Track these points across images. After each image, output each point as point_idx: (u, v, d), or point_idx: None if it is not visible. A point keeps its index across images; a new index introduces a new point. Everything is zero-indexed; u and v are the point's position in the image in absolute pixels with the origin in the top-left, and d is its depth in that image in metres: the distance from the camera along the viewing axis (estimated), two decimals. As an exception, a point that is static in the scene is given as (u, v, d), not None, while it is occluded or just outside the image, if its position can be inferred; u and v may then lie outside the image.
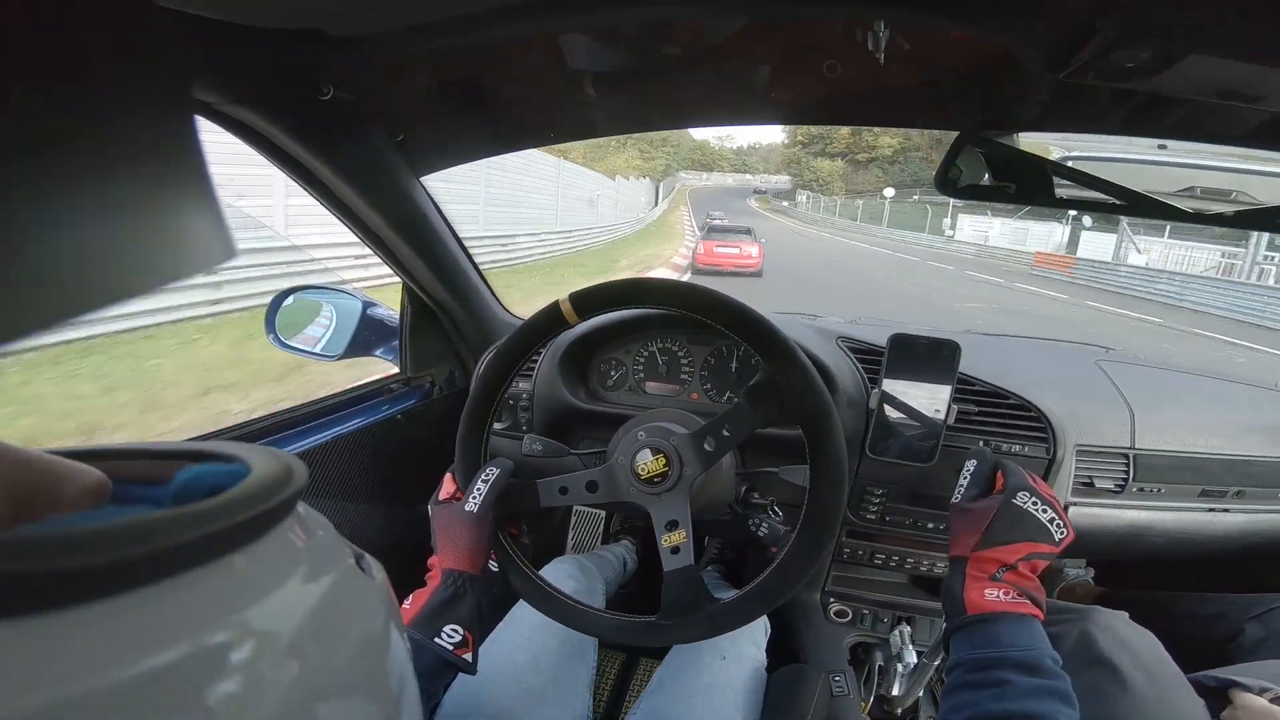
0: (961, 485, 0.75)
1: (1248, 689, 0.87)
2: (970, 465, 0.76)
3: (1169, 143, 0.70)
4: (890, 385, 1.01)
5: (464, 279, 1.18)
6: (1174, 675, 0.95)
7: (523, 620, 0.89)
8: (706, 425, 0.72)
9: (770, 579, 0.69)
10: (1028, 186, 0.75)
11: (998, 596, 0.64)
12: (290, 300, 1.12)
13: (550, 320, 0.73)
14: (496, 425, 1.22)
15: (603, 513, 1.67)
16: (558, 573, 1.01)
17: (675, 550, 0.72)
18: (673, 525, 0.73)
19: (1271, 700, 0.83)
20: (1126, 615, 1.10)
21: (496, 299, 1.31)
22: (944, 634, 0.65)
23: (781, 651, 1.08)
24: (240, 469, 0.29)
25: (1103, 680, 0.96)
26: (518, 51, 0.78)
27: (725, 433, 0.70)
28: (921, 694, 0.97)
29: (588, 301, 0.71)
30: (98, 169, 0.19)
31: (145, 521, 0.21)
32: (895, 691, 0.96)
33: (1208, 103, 0.55)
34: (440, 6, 0.62)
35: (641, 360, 1.24)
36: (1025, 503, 0.68)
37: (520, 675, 0.83)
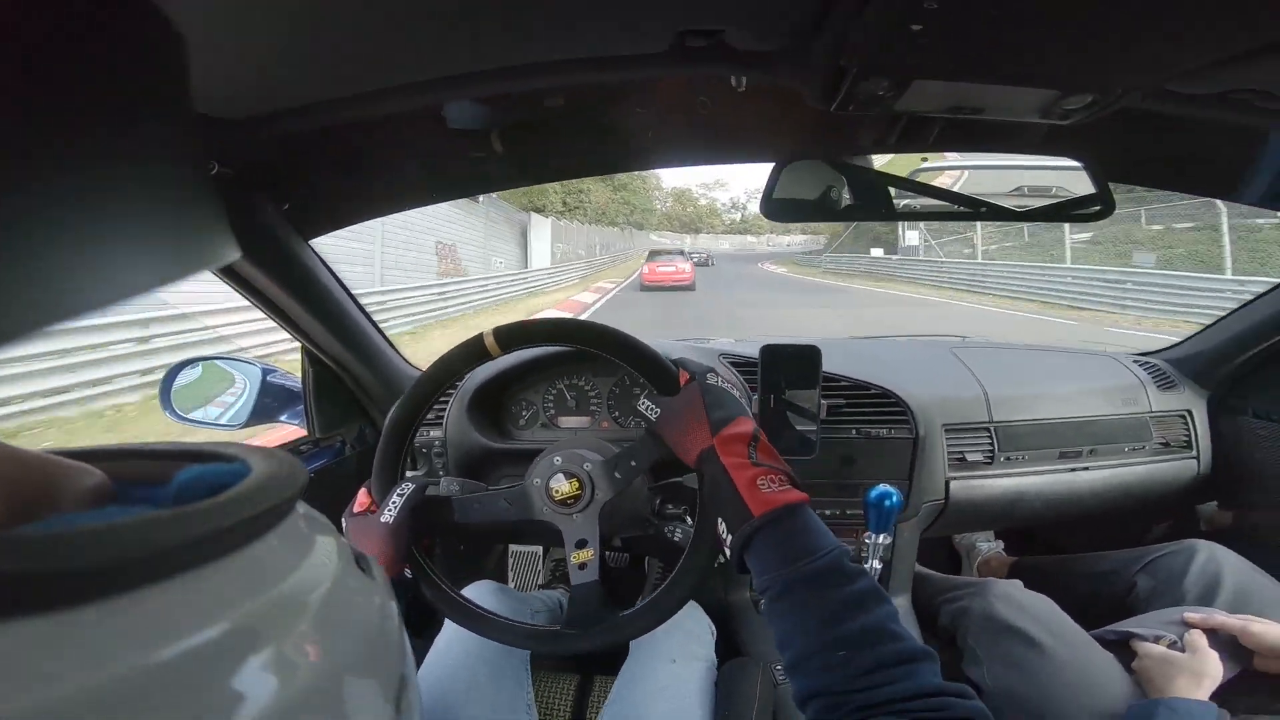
0: (647, 408, 0.72)
1: (1144, 639, 0.95)
2: (640, 402, 0.74)
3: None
4: (766, 391, 1.10)
5: (362, 336, 1.20)
6: (1078, 633, 1.02)
7: (449, 652, 0.90)
8: (617, 455, 0.77)
9: (661, 594, 0.74)
10: (868, 202, 0.87)
11: (771, 486, 0.58)
12: (186, 373, 1.11)
13: (472, 352, 0.77)
14: (412, 473, 1.23)
15: (539, 550, 1.67)
16: (476, 592, 1.02)
17: (582, 566, 0.77)
18: (582, 544, 0.77)
19: (1169, 646, 0.92)
20: (1021, 583, 1.19)
21: (397, 353, 1.33)
22: (732, 548, 0.59)
23: (732, 650, 1.11)
24: (241, 468, 0.29)
25: (1015, 648, 1.02)
26: (396, 118, 0.85)
27: (632, 463, 0.76)
28: None
29: (511, 336, 0.76)
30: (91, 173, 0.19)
31: (147, 521, 0.21)
32: None
33: (948, 118, 0.70)
34: (315, 90, 0.68)
35: (550, 397, 1.30)
36: (715, 381, 0.69)
37: (455, 708, 0.83)
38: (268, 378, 1.17)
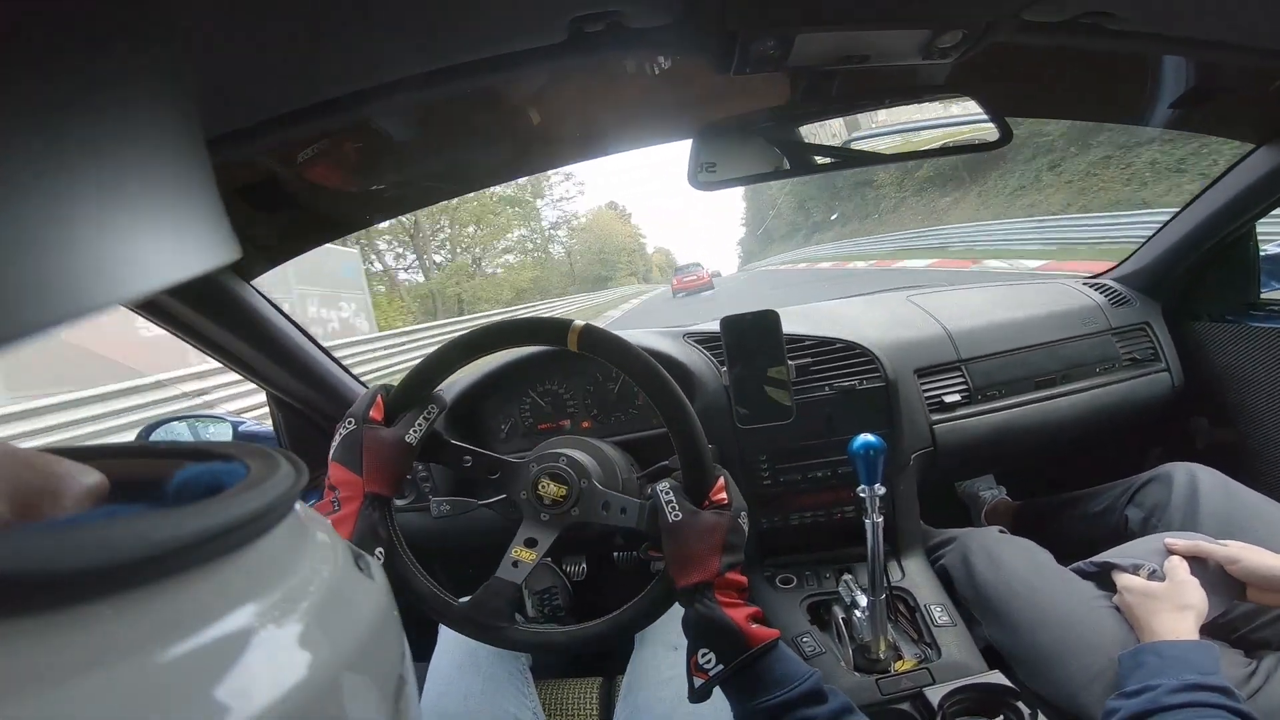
0: (670, 503, 0.69)
1: (1123, 569, 0.91)
2: (663, 486, 0.71)
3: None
4: (734, 361, 1.12)
5: (322, 374, 1.20)
6: (1056, 575, 1.00)
7: (443, 667, 0.90)
8: (616, 495, 0.78)
9: (564, 635, 0.75)
10: (791, 161, 0.89)
11: (757, 624, 0.64)
12: (156, 436, 1.11)
13: (554, 331, 0.75)
14: (400, 502, 1.23)
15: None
16: None
17: (515, 564, 0.76)
18: (531, 543, 0.78)
19: (1148, 576, 0.88)
20: (1000, 529, 1.19)
21: (364, 386, 1.32)
22: (717, 676, 0.63)
23: None
24: (239, 468, 0.29)
25: (997, 603, 1.01)
26: (313, 142, 0.85)
27: (622, 513, 0.77)
28: (891, 629, 1.01)
29: (594, 342, 0.74)
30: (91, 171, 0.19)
31: (145, 521, 0.21)
32: (866, 638, 0.99)
33: (841, 69, 0.72)
34: (217, 123, 0.69)
35: (527, 407, 1.30)
36: (743, 521, 0.69)
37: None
38: (239, 430, 1.18)
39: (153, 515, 0.23)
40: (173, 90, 0.23)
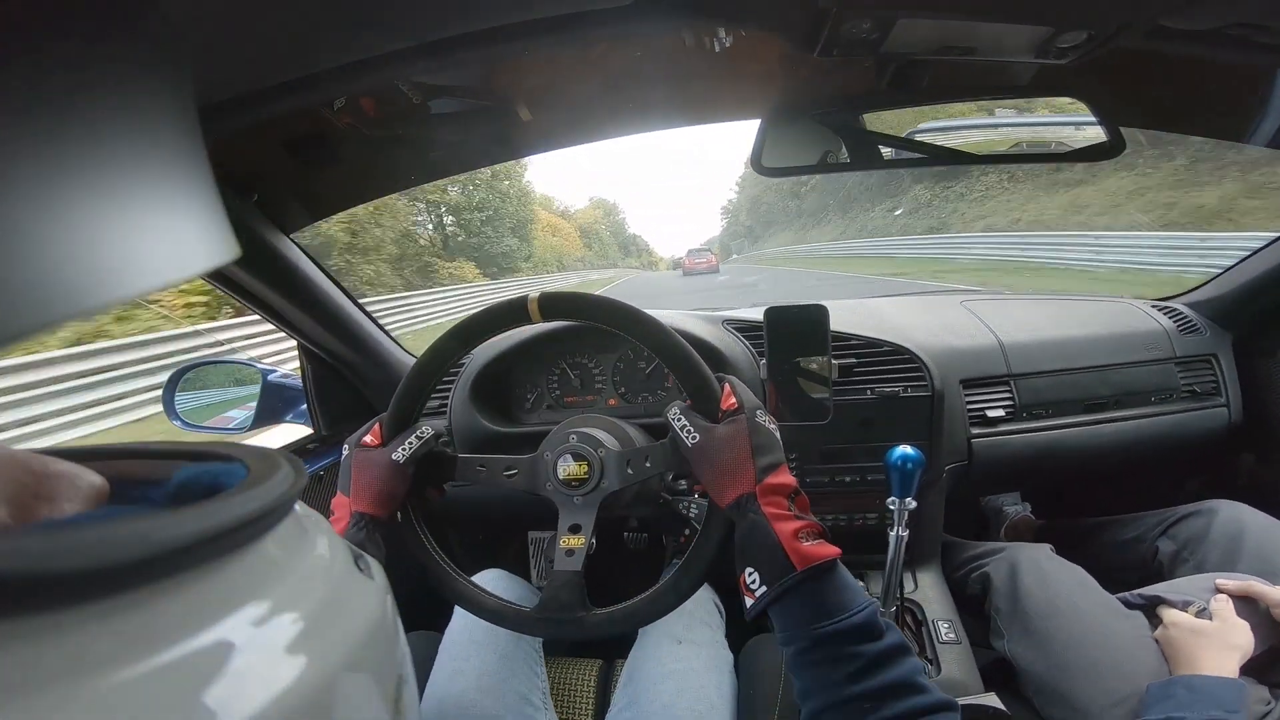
0: (684, 427, 0.64)
1: (1172, 604, 0.90)
2: (673, 413, 0.67)
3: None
4: (774, 354, 1.08)
5: (355, 328, 1.19)
6: (1104, 603, 0.99)
7: (459, 642, 0.90)
8: (634, 450, 0.75)
9: (639, 603, 0.71)
10: (861, 154, 0.83)
11: (810, 540, 0.56)
12: (186, 380, 1.11)
13: (513, 310, 0.74)
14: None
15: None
16: (482, 580, 1.00)
17: (570, 553, 0.74)
18: (576, 529, 0.75)
19: (1196, 613, 0.87)
20: (1050, 548, 1.15)
21: (396, 343, 1.32)
22: (761, 599, 0.57)
23: (755, 629, 1.10)
24: (238, 469, 0.29)
25: (1034, 619, 1.00)
26: (360, 97, 0.82)
27: (647, 464, 0.73)
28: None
29: (557, 304, 0.73)
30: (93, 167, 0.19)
31: (144, 522, 0.21)
32: None
33: (940, 61, 0.65)
34: (269, 74, 0.65)
35: (555, 378, 1.28)
36: (764, 420, 0.63)
37: (468, 700, 0.83)
38: (268, 378, 1.17)
39: (151, 516, 0.22)
40: (169, 81, 0.22)
